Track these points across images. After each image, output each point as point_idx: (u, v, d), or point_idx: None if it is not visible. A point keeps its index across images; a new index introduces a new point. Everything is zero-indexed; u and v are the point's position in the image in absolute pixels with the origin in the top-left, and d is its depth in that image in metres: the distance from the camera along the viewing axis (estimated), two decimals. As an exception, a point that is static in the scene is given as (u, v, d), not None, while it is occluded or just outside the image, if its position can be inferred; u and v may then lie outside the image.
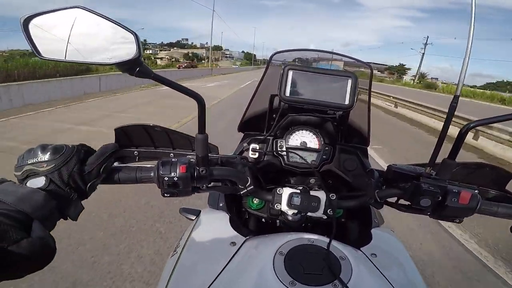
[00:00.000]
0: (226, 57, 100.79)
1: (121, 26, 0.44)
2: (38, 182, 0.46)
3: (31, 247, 0.36)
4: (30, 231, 0.37)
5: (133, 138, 0.71)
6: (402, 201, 0.65)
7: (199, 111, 0.52)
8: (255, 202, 0.85)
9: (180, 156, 0.61)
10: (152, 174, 0.57)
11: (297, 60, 0.97)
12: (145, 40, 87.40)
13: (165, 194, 0.58)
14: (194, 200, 1.42)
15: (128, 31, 0.44)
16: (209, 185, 0.63)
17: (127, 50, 0.44)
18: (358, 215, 0.86)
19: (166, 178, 0.55)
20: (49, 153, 0.49)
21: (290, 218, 0.74)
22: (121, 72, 0.46)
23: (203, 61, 68.13)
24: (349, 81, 0.73)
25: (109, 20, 0.44)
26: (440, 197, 0.58)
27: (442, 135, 0.55)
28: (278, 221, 0.85)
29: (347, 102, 0.73)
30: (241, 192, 0.67)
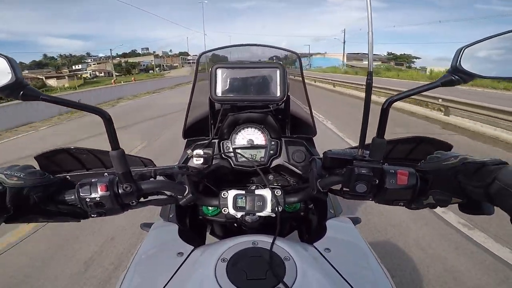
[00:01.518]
0: (189, 63, 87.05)
1: None
2: None
3: None
4: None
5: (61, 164, 0.68)
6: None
7: (106, 126, 0.49)
8: (210, 209, 0.83)
9: (111, 175, 0.59)
10: (72, 197, 0.54)
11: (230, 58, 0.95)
12: (88, 53, 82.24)
13: (92, 215, 0.56)
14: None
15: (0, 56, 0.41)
16: (142, 200, 0.60)
17: (2, 76, 0.41)
18: (315, 207, 0.84)
19: (87, 199, 0.53)
20: (27, 173, 0.50)
21: (248, 220, 0.72)
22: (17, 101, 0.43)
23: (151, 71, 63.83)
24: (278, 72, 0.71)
25: None
26: (377, 180, 0.54)
27: (365, 113, 0.52)
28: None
29: (278, 94, 0.71)
30: (181, 202, 0.64)
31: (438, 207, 0.57)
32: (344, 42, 50.46)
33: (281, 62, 0.73)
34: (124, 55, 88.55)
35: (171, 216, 0.77)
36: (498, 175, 0.44)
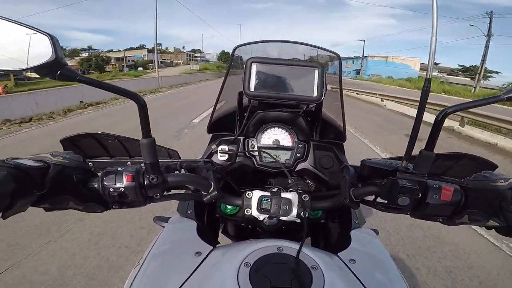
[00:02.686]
0: (196, 60, 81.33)
1: (34, 29, 0.41)
2: (34, 163, 0.45)
3: None
4: None
5: (85, 149, 0.67)
6: (381, 199, 0.60)
7: (140, 112, 0.47)
8: (229, 207, 0.81)
9: (135, 164, 0.57)
10: (96, 185, 0.52)
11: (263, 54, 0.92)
12: (89, 47, 75.14)
13: (113, 206, 0.54)
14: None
15: (43, 34, 0.40)
16: (165, 194, 0.58)
17: (43, 53, 0.40)
18: (339, 216, 0.81)
19: (111, 189, 0.51)
20: (70, 156, 0.51)
21: (266, 222, 0.69)
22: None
23: (140, 68, 52.71)
24: (316, 72, 0.68)
25: (21, 25, 0.41)
26: (420, 194, 0.52)
27: (417, 123, 0.49)
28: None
29: (315, 94, 0.68)
30: (205, 199, 0.61)
31: (471, 225, 0.55)
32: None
33: (320, 62, 0.70)
34: (132, 49, 79.28)
35: (189, 212, 0.75)
36: None
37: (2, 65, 0.41)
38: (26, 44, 0.40)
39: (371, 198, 0.61)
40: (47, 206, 0.48)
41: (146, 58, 61.96)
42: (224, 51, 79.10)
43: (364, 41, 49.84)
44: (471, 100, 0.48)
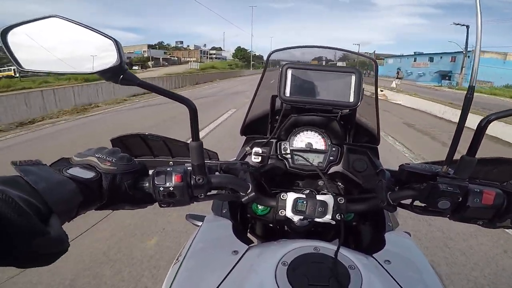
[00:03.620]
0: (211, 58, 77.00)
1: (100, 34, 0.43)
2: (88, 173, 0.47)
3: (47, 244, 0.34)
4: (47, 224, 0.35)
5: (131, 148, 0.70)
6: (417, 203, 0.60)
7: (191, 117, 0.50)
8: (260, 208, 0.82)
9: (178, 164, 0.59)
10: (147, 184, 0.54)
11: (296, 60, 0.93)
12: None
13: (162, 205, 0.56)
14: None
15: (108, 38, 0.42)
16: (208, 194, 0.60)
17: (108, 57, 0.42)
18: (371, 219, 0.81)
19: (161, 188, 0.53)
20: (118, 158, 0.51)
21: (297, 223, 0.70)
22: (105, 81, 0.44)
23: (135, 67, 44.24)
24: (353, 77, 0.69)
25: (88, 28, 0.42)
26: (461, 198, 0.53)
27: (459, 130, 0.50)
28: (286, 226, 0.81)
29: (351, 100, 0.69)
30: (243, 200, 0.63)
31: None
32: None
33: (357, 67, 0.71)
34: (150, 46, 73.05)
35: (224, 211, 0.77)
36: None
37: (70, 68, 0.43)
38: (92, 48, 0.43)
39: (407, 201, 0.62)
40: (109, 209, 0.53)
41: (147, 55, 58.01)
42: (239, 47, 72.99)
43: (359, 44, 49.73)
44: None
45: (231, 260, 0.57)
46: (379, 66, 0.83)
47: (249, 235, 0.96)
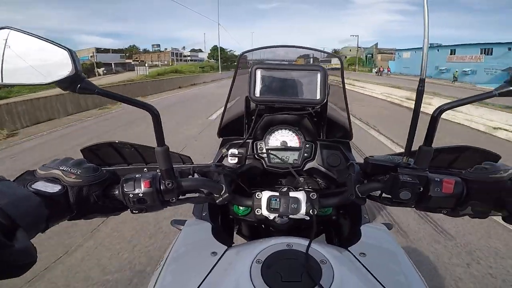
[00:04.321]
0: (186, 61, 69.48)
1: (54, 44, 0.43)
2: (53, 187, 0.47)
3: (12, 256, 0.34)
4: (13, 238, 0.36)
5: (103, 158, 0.69)
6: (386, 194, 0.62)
7: (154, 122, 0.50)
8: (241, 208, 0.83)
9: (151, 170, 0.60)
10: (117, 192, 0.55)
11: (267, 59, 0.94)
12: None
13: (133, 211, 0.57)
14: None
15: (62, 48, 0.43)
16: (181, 198, 0.61)
17: (64, 67, 0.42)
18: (349, 212, 0.83)
19: (131, 195, 0.54)
20: (83, 169, 0.50)
21: (277, 221, 0.71)
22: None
23: None
24: (318, 75, 0.70)
25: (41, 39, 0.43)
26: (422, 188, 0.54)
27: (414, 121, 0.51)
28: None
29: (318, 97, 0.70)
30: (217, 201, 0.64)
31: (474, 218, 0.58)
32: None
33: (322, 65, 0.72)
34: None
35: (204, 214, 0.78)
36: None
37: (24, 79, 0.43)
38: (46, 58, 0.43)
39: (377, 193, 0.63)
40: (81, 219, 0.53)
41: (96, 60, 47.09)
42: (216, 46, 58.90)
43: (357, 35, 48.39)
44: (465, 97, 0.48)
45: (210, 261, 0.57)
46: (389, 61, 0.84)
47: (238, 236, 0.97)
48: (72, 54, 0.42)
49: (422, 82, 0.50)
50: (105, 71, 38.96)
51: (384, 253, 0.63)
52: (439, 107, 0.50)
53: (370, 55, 56.29)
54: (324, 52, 0.86)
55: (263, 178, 0.87)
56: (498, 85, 0.49)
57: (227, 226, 0.89)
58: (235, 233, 0.97)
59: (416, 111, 0.51)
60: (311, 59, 1.05)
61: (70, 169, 0.50)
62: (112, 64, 48.81)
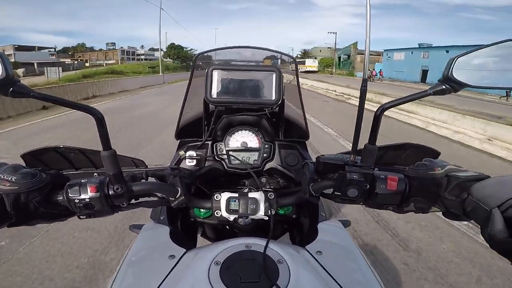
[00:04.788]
0: (140, 59, 64.46)
1: None
2: None
3: None
4: None
5: (48, 163, 0.66)
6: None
7: (98, 125, 0.48)
8: (202, 211, 0.82)
9: (102, 175, 0.58)
10: (61, 198, 0.53)
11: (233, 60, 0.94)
12: None
13: (81, 216, 0.55)
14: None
15: (-11, 51, 0.37)
16: (133, 202, 0.59)
17: (-9, 71, 0.38)
18: (308, 211, 0.85)
19: (76, 201, 0.52)
20: (19, 175, 0.47)
21: (240, 222, 0.71)
22: None
23: None
24: (274, 76, 0.71)
25: None
26: (368, 185, 0.55)
27: (358, 120, 0.53)
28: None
29: (273, 97, 0.71)
30: (172, 204, 0.63)
31: (418, 213, 0.59)
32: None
33: (277, 66, 0.74)
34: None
35: (162, 218, 0.76)
36: (471, 189, 0.46)
37: None
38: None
39: (330, 191, 0.63)
40: (23, 225, 0.50)
41: (13, 60, 38.46)
42: (173, 43, 53.49)
43: (335, 33, 44.15)
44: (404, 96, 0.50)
45: (168, 265, 0.56)
46: (377, 64, 0.86)
47: (202, 239, 0.96)
48: (1, 57, 0.40)
49: (364, 82, 0.52)
50: (24, 73, 31.22)
51: (340, 251, 0.64)
52: (381, 105, 0.52)
53: (347, 56, 48.37)
54: (279, 52, 0.88)
55: (226, 179, 0.87)
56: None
57: (189, 229, 0.88)
58: (199, 235, 0.96)
59: (360, 109, 0.53)
60: (279, 60, 1.06)
61: (4, 176, 0.47)
62: (35, 64, 39.91)
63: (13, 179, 0.47)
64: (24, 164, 0.60)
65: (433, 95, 0.51)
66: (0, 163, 0.50)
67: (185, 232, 0.84)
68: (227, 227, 0.85)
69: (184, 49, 53.95)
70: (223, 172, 0.84)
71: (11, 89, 0.41)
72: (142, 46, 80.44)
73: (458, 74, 0.47)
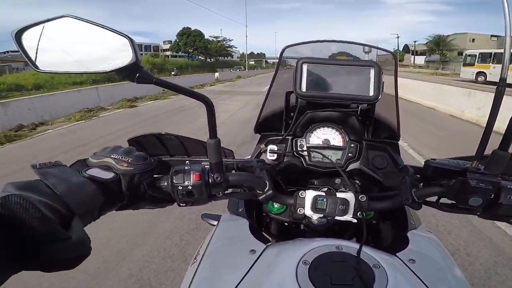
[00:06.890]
0: (167, 56, 43.32)
1: (114, 32, 0.42)
2: (107, 174, 0.46)
3: (67, 248, 0.33)
4: (69, 227, 0.35)
5: (147, 148, 0.69)
6: (444, 200, 0.58)
7: (208, 113, 0.49)
8: (275, 206, 0.81)
9: (194, 163, 0.59)
10: (165, 183, 0.54)
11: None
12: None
13: (181, 204, 0.56)
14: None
15: (122, 36, 0.42)
16: (226, 192, 0.59)
17: (123, 55, 0.41)
18: (391, 217, 0.79)
19: (180, 187, 0.53)
20: (134, 157, 0.50)
21: (315, 222, 0.68)
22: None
23: None
24: (372, 71, 0.67)
25: (101, 27, 0.42)
26: (493, 195, 0.51)
27: (489, 124, 0.48)
28: (302, 224, 0.79)
29: (371, 93, 0.67)
30: (260, 198, 0.62)
31: None
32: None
33: (375, 61, 0.68)
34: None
35: (240, 210, 0.76)
36: None
37: (85, 68, 0.42)
38: (107, 47, 0.42)
39: (433, 199, 0.60)
40: (130, 209, 0.52)
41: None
42: (189, 28, 41.10)
43: (398, 36, 42.00)
44: None
45: (249, 259, 0.56)
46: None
47: (264, 233, 0.95)
48: (132, 42, 0.41)
49: (503, 81, 0.47)
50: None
51: (434, 261, 0.60)
52: None
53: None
54: (378, 48, 0.82)
55: (297, 177, 0.85)
56: None
57: (258, 223, 0.87)
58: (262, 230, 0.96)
59: (494, 114, 0.48)
60: (352, 57, 1.01)
61: (122, 157, 0.49)
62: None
63: (129, 160, 0.49)
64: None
65: None
66: (116, 146, 0.53)
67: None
68: (293, 225, 0.82)
69: (208, 39, 38.63)
70: (301, 169, 0.81)
71: (138, 74, 0.42)
72: (165, 41, 62.76)
73: None
